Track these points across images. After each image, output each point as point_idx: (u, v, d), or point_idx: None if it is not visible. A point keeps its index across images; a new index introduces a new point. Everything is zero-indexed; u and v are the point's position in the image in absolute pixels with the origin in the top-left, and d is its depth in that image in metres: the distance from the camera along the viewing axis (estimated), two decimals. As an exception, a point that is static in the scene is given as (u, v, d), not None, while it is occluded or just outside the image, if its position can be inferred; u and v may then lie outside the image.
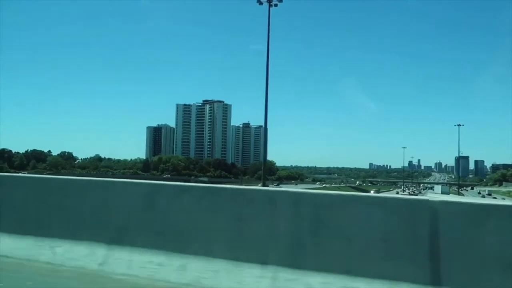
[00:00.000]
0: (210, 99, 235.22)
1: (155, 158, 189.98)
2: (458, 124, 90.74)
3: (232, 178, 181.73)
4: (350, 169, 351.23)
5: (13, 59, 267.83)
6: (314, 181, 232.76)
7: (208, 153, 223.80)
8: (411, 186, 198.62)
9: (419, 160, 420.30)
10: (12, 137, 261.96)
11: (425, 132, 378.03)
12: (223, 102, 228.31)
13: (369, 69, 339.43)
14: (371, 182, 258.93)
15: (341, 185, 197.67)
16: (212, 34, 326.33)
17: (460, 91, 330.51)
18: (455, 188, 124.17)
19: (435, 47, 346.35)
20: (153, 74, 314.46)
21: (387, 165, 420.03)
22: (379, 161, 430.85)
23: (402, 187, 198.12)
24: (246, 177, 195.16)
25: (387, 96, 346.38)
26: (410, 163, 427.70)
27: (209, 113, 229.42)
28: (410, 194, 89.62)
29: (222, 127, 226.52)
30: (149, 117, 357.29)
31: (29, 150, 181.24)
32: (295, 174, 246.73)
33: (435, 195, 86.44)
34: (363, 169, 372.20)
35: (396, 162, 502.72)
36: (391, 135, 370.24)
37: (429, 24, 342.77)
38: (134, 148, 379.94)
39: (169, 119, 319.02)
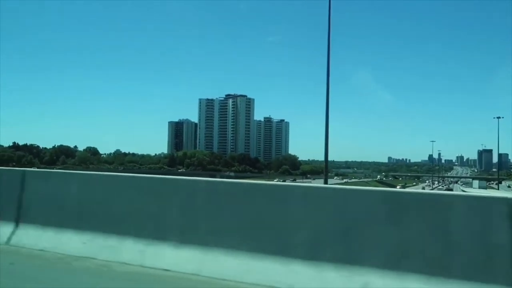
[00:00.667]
0: (233, 93, 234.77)
1: (180, 153, 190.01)
2: (498, 116, 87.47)
3: (248, 173, 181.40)
4: (369, 163, 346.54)
5: (40, 59, 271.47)
6: (338, 175, 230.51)
7: (231, 148, 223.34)
8: (436, 181, 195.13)
9: (439, 154, 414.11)
10: (38, 133, 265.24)
11: (445, 125, 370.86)
12: (246, 96, 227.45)
13: (386, 61, 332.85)
14: (393, 176, 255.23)
15: (363, 179, 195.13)
16: (230, 28, 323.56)
17: (481, 84, 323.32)
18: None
19: (455, 36, 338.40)
20: (173, 70, 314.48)
21: (406, 159, 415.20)
22: (398, 155, 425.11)
23: (428, 181, 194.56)
24: (271, 171, 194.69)
25: (406, 89, 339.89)
26: (430, 156, 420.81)
27: (232, 108, 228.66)
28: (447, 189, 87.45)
29: (245, 121, 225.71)
30: (170, 112, 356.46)
31: (56, 146, 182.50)
32: (318, 169, 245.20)
33: (473, 190, 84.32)
34: (382, 163, 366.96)
35: (416, 155, 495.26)
36: (410, 128, 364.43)
37: (454, 13, 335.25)
38: (156, 143, 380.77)
39: (191, 114, 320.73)
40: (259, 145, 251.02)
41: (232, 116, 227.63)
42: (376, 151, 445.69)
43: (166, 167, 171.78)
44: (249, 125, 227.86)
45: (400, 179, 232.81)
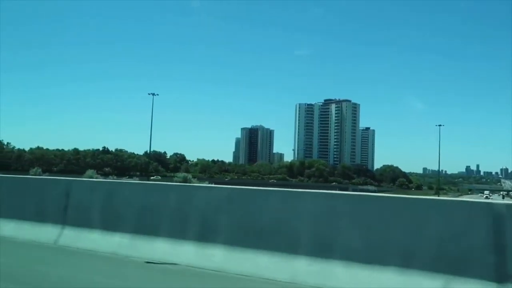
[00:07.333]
0: (334, 98, 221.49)
1: (296, 162, 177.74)
2: None
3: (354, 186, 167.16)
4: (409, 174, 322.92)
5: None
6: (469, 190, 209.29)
7: (334, 157, 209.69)
8: None
9: (477, 166, 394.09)
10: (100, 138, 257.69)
11: (483, 135, 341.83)
12: (351, 101, 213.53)
13: (420, 70, 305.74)
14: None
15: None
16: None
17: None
18: None
19: (493, 44, 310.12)
20: (244, 75, 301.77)
21: (443, 170, 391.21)
22: (433, 166, 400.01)
23: None
24: (390, 185, 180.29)
25: (440, 96, 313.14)
26: (467, 168, 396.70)
27: (336, 114, 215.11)
28: None
29: (352, 129, 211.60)
30: (238, 118, 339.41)
31: (148, 151, 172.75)
32: (421, 182, 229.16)
33: None
34: (418, 174, 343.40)
35: (451, 167, 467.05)
36: (444, 138, 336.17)
37: (490, 24, 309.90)
38: (223, 150, 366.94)
39: (263, 120, 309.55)
40: (337, 152, 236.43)
41: (336, 123, 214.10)
42: (410, 161, 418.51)
43: (288, 178, 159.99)
44: (355, 133, 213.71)
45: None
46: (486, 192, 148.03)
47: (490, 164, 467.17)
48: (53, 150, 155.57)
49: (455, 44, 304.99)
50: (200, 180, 68.35)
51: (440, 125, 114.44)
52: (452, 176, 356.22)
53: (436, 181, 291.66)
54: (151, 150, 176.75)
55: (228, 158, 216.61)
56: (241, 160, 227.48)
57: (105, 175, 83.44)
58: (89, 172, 54.11)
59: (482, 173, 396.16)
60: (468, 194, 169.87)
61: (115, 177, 77.43)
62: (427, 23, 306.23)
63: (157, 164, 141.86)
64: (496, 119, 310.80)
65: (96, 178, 52.11)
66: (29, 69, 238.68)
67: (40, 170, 51.09)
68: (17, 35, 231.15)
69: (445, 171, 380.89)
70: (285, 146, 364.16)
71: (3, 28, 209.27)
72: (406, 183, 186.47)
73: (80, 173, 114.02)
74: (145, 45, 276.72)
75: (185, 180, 59.00)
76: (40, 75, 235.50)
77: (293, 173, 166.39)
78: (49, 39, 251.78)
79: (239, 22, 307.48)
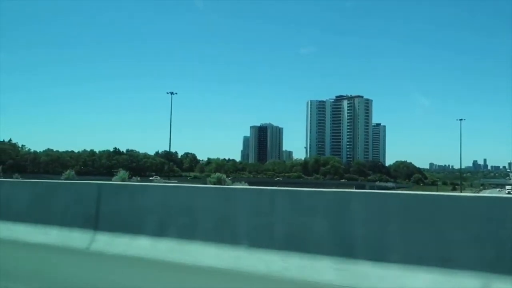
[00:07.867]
0: (345, 94, 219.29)
1: (311, 159, 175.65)
2: None
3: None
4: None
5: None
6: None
7: (347, 154, 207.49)
8: None
9: (485, 160, 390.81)
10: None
11: (489, 129, 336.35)
12: (363, 97, 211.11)
13: (426, 64, 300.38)
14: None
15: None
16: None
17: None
18: None
19: (498, 39, 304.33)
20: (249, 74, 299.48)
21: (449, 165, 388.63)
22: (440, 161, 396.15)
23: None
24: (406, 181, 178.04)
25: (444, 93, 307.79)
26: (474, 162, 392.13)
27: (348, 110, 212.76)
28: None
29: (365, 125, 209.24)
30: (245, 116, 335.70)
31: (159, 151, 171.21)
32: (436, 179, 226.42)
33: None
34: (425, 169, 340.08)
35: (457, 161, 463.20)
36: (449, 133, 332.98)
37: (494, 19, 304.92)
38: (232, 148, 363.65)
39: (270, 118, 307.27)
40: (349, 148, 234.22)
41: (348, 119, 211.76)
42: (416, 157, 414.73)
43: (304, 176, 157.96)
44: (368, 129, 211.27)
45: None
46: (508, 187, 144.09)
47: (498, 158, 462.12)
48: (64, 151, 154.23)
49: (461, 39, 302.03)
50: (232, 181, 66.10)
51: (461, 119, 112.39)
52: (460, 171, 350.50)
53: (444, 176, 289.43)
54: (162, 150, 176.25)
55: (236, 156, 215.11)
56: (251, 159, 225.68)
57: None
58: (121, 173, 52.01)
59: (489, 168, 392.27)
60: (480, 189, 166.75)
61: (138, 178, 75.20)
62: (432, 17, 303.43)
63: (173, 164, 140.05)
64: (503, 112, 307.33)
65: (129, 180, 49.98)
66: (31, 69, 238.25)
67: (73, 173, 48.90)
68: (17, 35, 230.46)
69: (452, 166, 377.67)
70: (295, 144, 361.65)
71: (2, 28, 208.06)
72: (422, 179, 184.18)
73: (97, 174, 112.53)
74: (149, 45, 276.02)
75: (219, 180, 56.81)
76: (41, 75, 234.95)
77: (308, 171, 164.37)
78: (50, 39, 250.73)
79: (245, 20, 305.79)
